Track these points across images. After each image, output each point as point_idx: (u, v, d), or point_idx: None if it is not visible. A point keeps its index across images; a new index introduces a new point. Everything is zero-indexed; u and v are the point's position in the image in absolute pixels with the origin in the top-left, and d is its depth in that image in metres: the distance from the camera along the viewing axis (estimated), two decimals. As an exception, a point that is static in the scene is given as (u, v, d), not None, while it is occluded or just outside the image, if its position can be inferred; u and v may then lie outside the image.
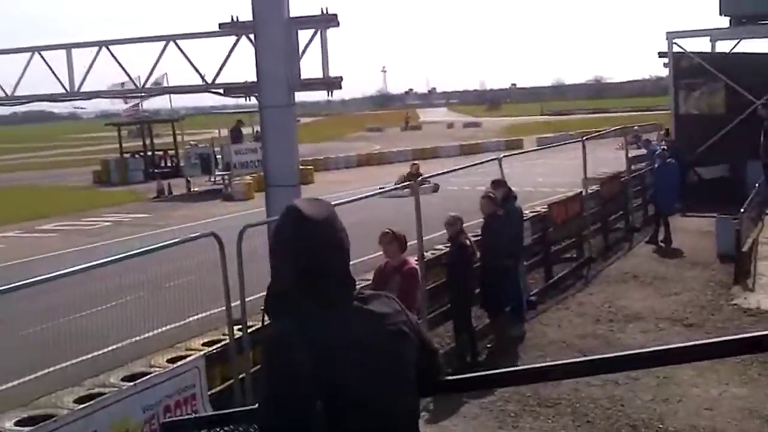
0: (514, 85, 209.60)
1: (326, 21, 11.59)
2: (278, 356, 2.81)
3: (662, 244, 16.75)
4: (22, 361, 10.40)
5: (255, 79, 11.77)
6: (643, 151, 23.25)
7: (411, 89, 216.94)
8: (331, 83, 12.03)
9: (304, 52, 11.59)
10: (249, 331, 8.17)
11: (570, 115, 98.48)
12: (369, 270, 9.44)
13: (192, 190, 32.82)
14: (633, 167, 19.95)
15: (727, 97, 22.66)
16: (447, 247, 11.16)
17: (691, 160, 21.53)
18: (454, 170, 13.64)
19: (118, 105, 37.63)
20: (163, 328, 11.03)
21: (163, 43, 13.29)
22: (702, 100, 23.63)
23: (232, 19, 12.27)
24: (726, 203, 15.93)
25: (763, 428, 8.17)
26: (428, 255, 11.14)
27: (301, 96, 12.45)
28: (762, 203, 17.80)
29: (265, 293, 2.83)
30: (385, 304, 2.88)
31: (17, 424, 7.32)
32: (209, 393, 7.59)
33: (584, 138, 16.73)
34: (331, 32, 11.70)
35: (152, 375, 7.33)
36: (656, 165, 17.63)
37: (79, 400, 7.53)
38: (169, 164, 40.09)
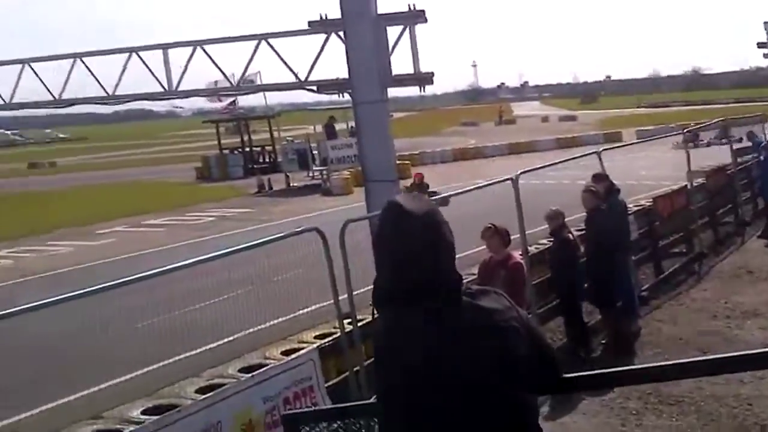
0: (609, 77, 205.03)
1: (414, 17, 11.71)
2: (377, 353, 2.93)
3: (775, 238, 16.28)
4: (141, 353, 10.82)
5: (347, 76, 11.95)
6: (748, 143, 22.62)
7: (503, 83, 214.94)
8: (423, 78, 12.14)
9: (393, 48, 11.71)
10: (359, 324, 8.33)
11: (667, 107, 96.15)
12: (473, 264, 9.51)
13: (291, 185, 33.35)
14: (739, 159, 19.44)
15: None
16: (550, 241, 11.14)
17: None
18: (550, 165, 13.50)
19: (213, 103, 38.46)
20: (275, 321, 11.36)
21: (255, 42, 13.57)
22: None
23: (321, 17, 12.42)
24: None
25: None
26: (532, 250, 11.12)
27: (393, 91, 12.58)
28: None
29: (371, 287, 2.88)
30: (495, 300, 2.87)
31: (143, 413, 7.67)
32: (326, 385, 7.79)
33: (686, 130, 16.40)
34: (420, 27, 11.82)
35: (269, 367, 7.57)
36: (762, 157, 17.17)
37: (200, 391, 7.85)
38: (267, 160, 40.77)
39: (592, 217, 10.86)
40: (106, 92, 14.78)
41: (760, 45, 23.16)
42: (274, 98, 40.81)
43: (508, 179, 10.48)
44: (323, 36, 12.66)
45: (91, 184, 39.27)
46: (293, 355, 7.89)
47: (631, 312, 11.37)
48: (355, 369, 8.03)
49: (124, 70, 14.59)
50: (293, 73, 13.26)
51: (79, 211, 28.10)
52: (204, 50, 14.13)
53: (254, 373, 7.40)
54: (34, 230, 24.04)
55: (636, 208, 14.08)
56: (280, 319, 11.32)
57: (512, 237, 9.10)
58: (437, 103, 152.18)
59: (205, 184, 36.63)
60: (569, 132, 54.42)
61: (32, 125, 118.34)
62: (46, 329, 11.10)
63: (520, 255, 9.62)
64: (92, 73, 14.86)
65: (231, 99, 36.24)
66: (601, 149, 13.39)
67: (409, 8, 11.60)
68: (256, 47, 13.54)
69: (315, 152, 34.05)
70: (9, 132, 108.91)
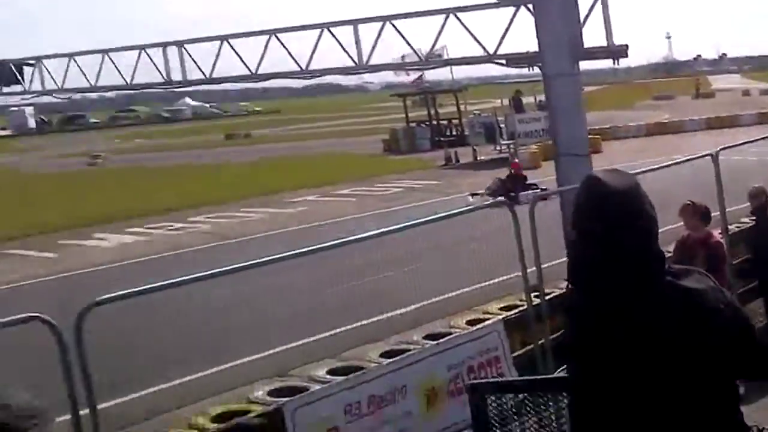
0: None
1: (606, -12, 11.27)
2: (575, 329, 2.83)
3: None
4: (329, 316, 11.14)
5: (537, 49, 11.69)
6: None
7: (699, 55, 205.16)
8: (616, 51, 11.65)
9: (585, 20, 11.30)
10: (546, 298, 8.20)
11: None
12: (670, 242, 9.15)
13: (478, 158, 33.24)
14: None
15: None
16: (752, 220, 10.52)
17: None
18: (753, 141, 12.76)
19: (401, 77, 38.76)
20: (460, 291, 11.43)
21: (444, 16, 13.48)
22: None
23: (511, -10, 12.18)
24: None
25: None
26: (732, 228, 10.57)
27: (585, 64, 12.20)
28: None
29: (558, 261, 2.84)
30: (699, 280, 2.75)
31: (329, 372, 7.88)
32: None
33: None
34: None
35: (454, 335, 7.60)
36: None
37: (385, 355, 7.98)
38: (453, 133, 40.81)
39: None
40: (300, 67, 15.15)
41: None
42: (460, 72, 40.67)
43: (707, 155, 9.99)
44: (512, 9, 12.43)
45: (282, 155, 40.65)
46: (479, 325, 7.88)
47: None
48: (540, 342, 7.91)
49: (316, 46, 14.92)
50: (482, 46, 13.11)
51: (271, 180, 29.17)
52: (393, 25, 14.22)
53: (439, 341, 7.44)
54: (230, 197, 25.14)
55: None
56: (466, 289, 11.37)
57: (712, 215, 8.65)
58: (630, 77, 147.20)
59: (393, 157, 37.07)
60: (774, 106, 51.22)
61: (229, 99, 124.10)
62: (241, 291, 11.65)
63: (720, 234, 9.15)
64: (287, 49, 15.28)
65: (419, 73, 36.43)
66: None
67: (602, -22, 11.19)
68: (445, 21, 13.47)
69: (502, 126, 33.76)
70: (208, 105, 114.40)
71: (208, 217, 21.84)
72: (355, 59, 14.50)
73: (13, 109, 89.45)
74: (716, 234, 8.69)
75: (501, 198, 17.94)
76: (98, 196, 28.30)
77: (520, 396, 3.82)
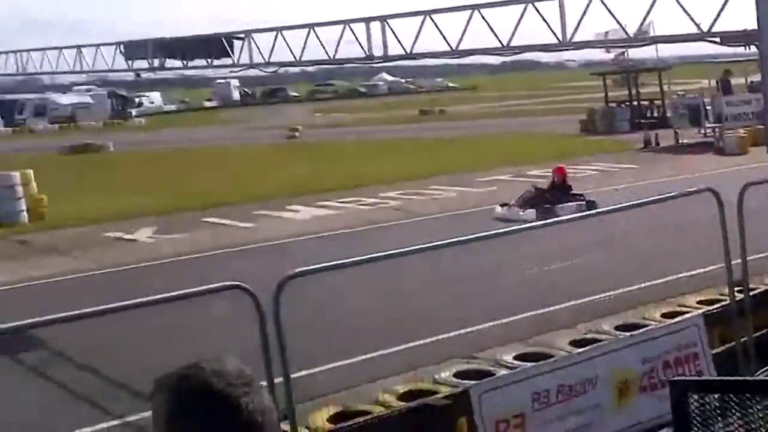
0: None
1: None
2: None
3: None
4: (516, 299, 11.02)
5: (755, 27, 10.97)
6: None
7: None
8: None
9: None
10: (751, 293, 7.76)
11: None
12: None
13: (680, 141, 31.86)
14: None
15: None
16: None
17: None
18: None
19: (602, 54, 37.65)
20: (653, 282, 11.00)
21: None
22: None
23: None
24: None
25: None
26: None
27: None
28: None
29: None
30: None
31: (516, 358, 7.79)
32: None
33: None
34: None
35: (649, 328, 7.33)
36: None
37: (575, 344, 7.80)
38: (655, 115, 39.28)
39: None
40: (501, 43, 15.00)
41: None
42: (665, 50, 39.02)
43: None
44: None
45: (476, 133, 40.55)
46: (676, 319, 7.55)
47: None
48: (742, 340, 7.50)
49: (519, 21, 14.71)
50: (695, 23, 12.50)
51: (463, 158, 29.14)
52: (601, 1, 13.82)
53: (634, 333, 7.19)
54: (421, 174, 25.30)
55: None
56: (660, 281, 10.92)
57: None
58: None
59: (590, 137, 36.13)
60: None
61: (425, 74, 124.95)
62: (424, 272, 11.72)
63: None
64: (489, 25, 15.15)
65: (620, 50, 35.23)
66: None
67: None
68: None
69: (708, 108, 32.15)
70: (403, 80, 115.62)
71: (400, 193, 22.07)
72: (559, 36, 14.20)
73: (219, 81, 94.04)
74: None
75: (531, 211, 16.70)
76: (294, 168, 29.30)
77: (727, 397, 3.61)
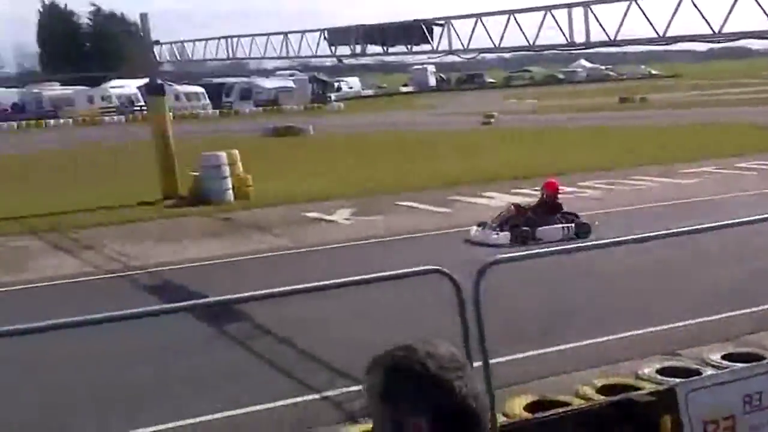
0: None
1: None
2: None
3: None
4: (720, 297, 10.50)
5: None
6: None
7: None
8: None
9: None
10: None
11: None
12: None
13: None
14: None
15: None
16: None
17: None
18: None
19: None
20: None
21: None
22: None
23: None
24: None
25: None
26: None
27: None
28: None
29: None
30: None
31: (724, 358, 7.42)
32: None
33: None
34: None
35: None
36: None
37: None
38: None
39: None
40: (712, 30, 14.27)
41: None
42: None
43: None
44: None
45: (678, 122, 38.97)
46: None
47: None
48: None
49: (733, 7, 13.92)
50: None
51: (665, 148, 28.08)
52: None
53: None
54: (621, 164, 24.60)
55: None
56: None
57: None
58: None
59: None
60: None
61: (626, 61, 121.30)
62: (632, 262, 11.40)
63: None
64: (699, 11, 14.43)
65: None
66: None
67: None
68: None
69: None
70: (603, 67, 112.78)
71: (597, 183, 21.55)
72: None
73: (416, 67, 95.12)
74: None
75: (504, 235, 14.58)
76: (489, 154, 29.22)
77: None
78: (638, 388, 6.33)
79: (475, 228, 15.11)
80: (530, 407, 6.36)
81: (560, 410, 5.38)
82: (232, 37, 24.16)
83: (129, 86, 71.62)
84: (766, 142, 28.00)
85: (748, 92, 62.82)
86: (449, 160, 27.62)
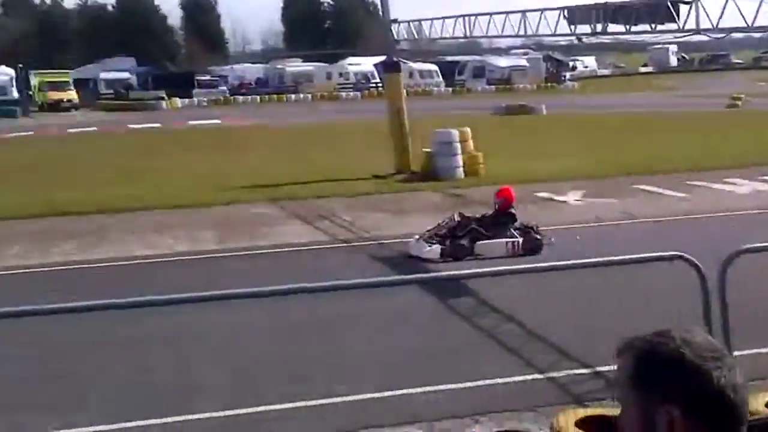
0: None
1: None
2: None
3: None
4: None
5: None
6: None
7: None
8: None
9: None
10: None
11: None
12: None
13: None
14: None
15: None
16: None
17: None
18: None
19: None
20: None
21: None
22: None
23: None
24: None
25: None
26: None
27: None
28: None
29: None
30: None
31: None
32: None
33: None
34: None
35: None
36: None
37: None
38: None
39: None
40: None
41: None
42: None
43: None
44: None
45: None
46: None
47: None
48: None
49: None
50: None
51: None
52: None
53: None
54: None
55: None
56: None
57: None
58: None
59: None
60: None
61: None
62: None
63: None
64: None
65: None
66: None
67: None
68: None
69: None
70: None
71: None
72: None
73: (656, 47, 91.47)
74: None
75: (436, 248, 12.75)
76: (734, 138, 27.62)
77: None
78: None
79: (414, 239, 13.32)
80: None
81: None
82: (469, 15, 24.29)
83: (365, 63, 73.79)
84: None
85: None
86: (689, 144, 26.36)
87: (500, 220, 13.28)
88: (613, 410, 3.80)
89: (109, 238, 15.34)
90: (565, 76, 76.90)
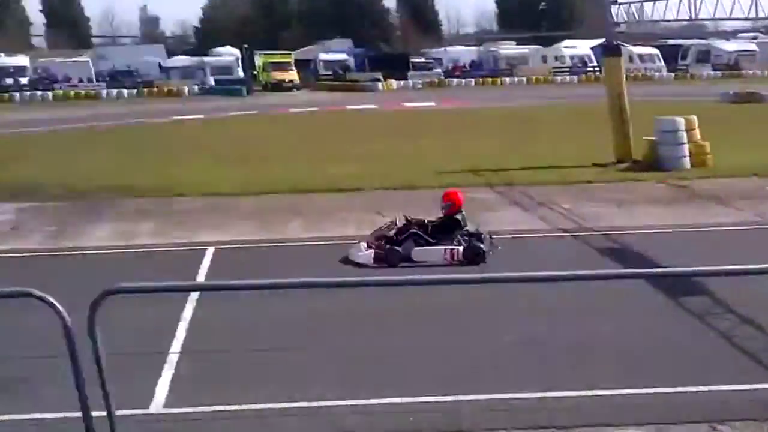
0: None
1: None
2: None
3: None
4: None
5: None
6: None
7: None
8: None
9: None
10: None
11: None
12: None
13: None
14: None
15: None
16: None
17: None
18: None
19: None
20: None
21: None
22: None
23: None
24: None
25: None
26: None
27: None
28: None
29: None
30: None
31: None
32: None
33: None
34: None
35: None
36: None
37: None
38: None
39: None
40: None
41: None
42: None
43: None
44: None
45: None
46: None
47: None
48: None
49: None
50: None
51: None
52: None
53: None
54: None
55: None
56: None
57: None
58: None
59: None
60: None
61: None
62: None
63: None
64: None
65: None
66: None
67: None
68: None
69: None
70: None
71: None
72: None
73: None
74: None
75: (368, 254, 11.99)
76: None
77: None
78: None
79: (362, 247, 12.38)
80: None
81: None
82: (695, -4, 23.16)
83: (581, 46, 72.23)
84: None
85: None
86: None
87: (446, 225, 12.50)
88: None
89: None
90: (801, 63, 71.89)
